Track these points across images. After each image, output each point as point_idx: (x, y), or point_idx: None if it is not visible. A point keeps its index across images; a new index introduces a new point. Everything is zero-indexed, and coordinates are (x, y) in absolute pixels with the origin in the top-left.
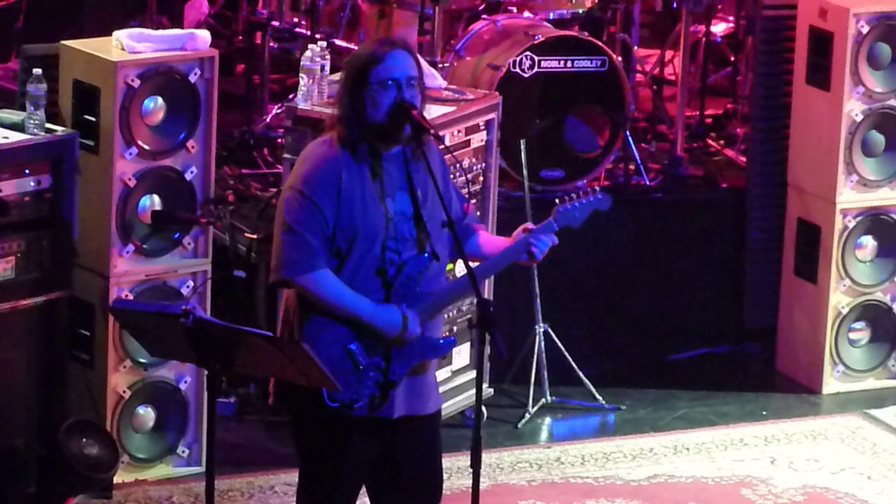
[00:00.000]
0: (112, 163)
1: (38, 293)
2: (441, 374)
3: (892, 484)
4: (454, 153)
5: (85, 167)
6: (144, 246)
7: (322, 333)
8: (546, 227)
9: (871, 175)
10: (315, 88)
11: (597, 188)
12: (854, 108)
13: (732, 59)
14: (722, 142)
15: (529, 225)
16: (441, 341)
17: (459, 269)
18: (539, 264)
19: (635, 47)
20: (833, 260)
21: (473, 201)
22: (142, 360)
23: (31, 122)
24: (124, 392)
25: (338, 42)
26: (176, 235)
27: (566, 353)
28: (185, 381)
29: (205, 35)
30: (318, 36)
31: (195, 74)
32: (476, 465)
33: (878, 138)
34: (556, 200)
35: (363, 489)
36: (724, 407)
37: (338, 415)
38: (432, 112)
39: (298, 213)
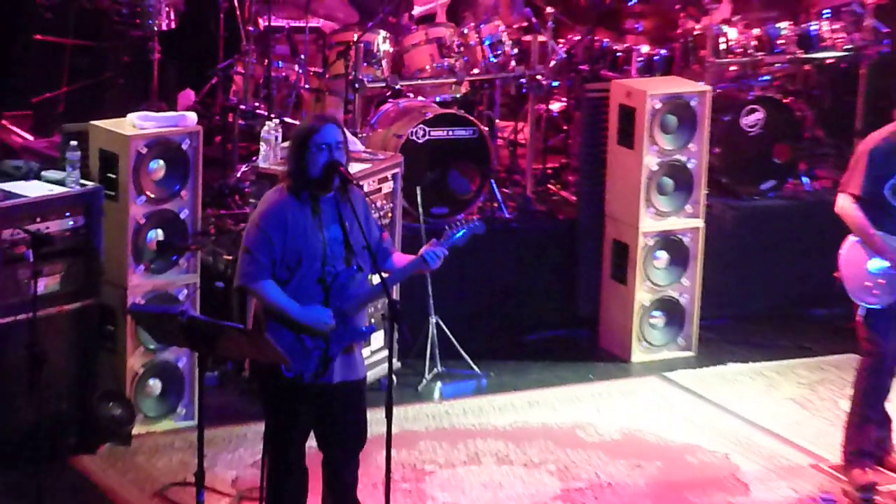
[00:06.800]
0: (127, 207)
1: (76, 300)
2: (363, 353)
3: (683, 425)
4: (370, 197)
5: (108, 211)
6: (151, 266)
7: (282, 324)
8: (441, 245)
9: (663, 208)
10: (271, 153)
11: (474, 218)
12: (651, 162)
13: (565, 127)
14: (559, 186)
15: (433, 242)
16: (364, 329)
17: (376, 278)
18: (432, 274)
19: (497, 120)
20: (638, 268)
21: (386, 231)
22: (151, 347)
23: (70, 179)
24: (139, 370)
25: (287, 119)
26: (174, 258)
27: (451, 337)
28: (182, 361)
29: (192, 116)
30: (272, 115)
31: (186, 144)
32: (389, 417)
33: (669, 182)
34: (447, 227)
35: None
36: (563, 373)
37: (292, 383)
38: (354, 168)
39: (254, 239)
